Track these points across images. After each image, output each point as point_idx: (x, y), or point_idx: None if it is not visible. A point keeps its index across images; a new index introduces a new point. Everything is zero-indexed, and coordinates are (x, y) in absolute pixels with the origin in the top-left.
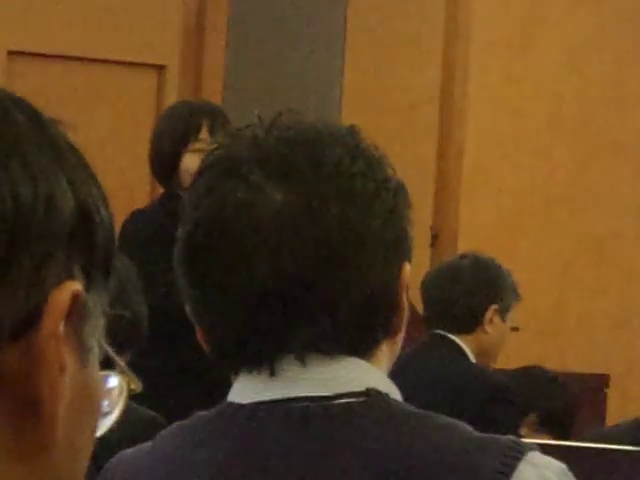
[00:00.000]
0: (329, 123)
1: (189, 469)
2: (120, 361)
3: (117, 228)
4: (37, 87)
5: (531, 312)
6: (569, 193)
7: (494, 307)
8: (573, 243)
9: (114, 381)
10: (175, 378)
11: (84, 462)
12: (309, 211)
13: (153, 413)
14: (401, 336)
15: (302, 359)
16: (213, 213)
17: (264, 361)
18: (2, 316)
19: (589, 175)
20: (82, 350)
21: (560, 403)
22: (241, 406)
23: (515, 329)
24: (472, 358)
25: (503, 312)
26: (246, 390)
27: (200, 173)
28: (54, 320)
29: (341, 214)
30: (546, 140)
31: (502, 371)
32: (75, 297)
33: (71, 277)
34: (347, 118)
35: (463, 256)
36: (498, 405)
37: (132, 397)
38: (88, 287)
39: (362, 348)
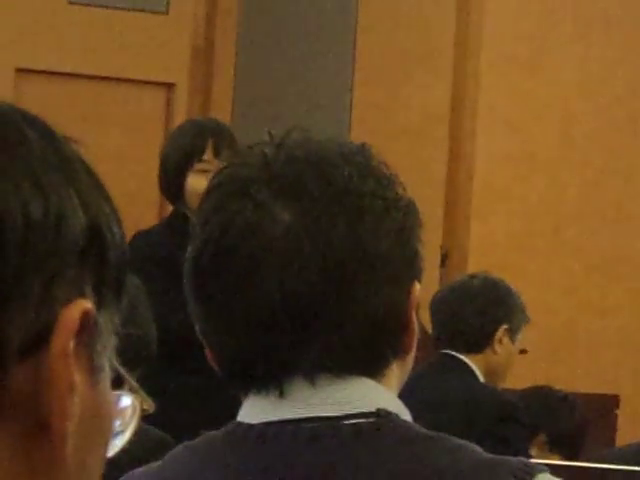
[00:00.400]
0: (339, 141)
1: None
2: (132, 381)
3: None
4: (45, 105)
5: (540, 332)
6: (579, 213)
7: (504, 327)
8: (582, 264)
9: (126, 401)
10: (182, 398)
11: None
12: (317, 230)
13: (162, 433)
14: (412, 356)
15: (311, 379)
16: (220, 232)
17: (273, 381)
18: (12, 335)
19: (599, 196)
20: (93, 369)
21: (569, 423)
22: (250, 426)
23: (524, 351)
24: (481, 378)
25: (512, 333)
26: (255, 410)
27: (208, 192)
28: (64, 339)
29: (350, 233)
30: (556, 160)
31: (511, 391)
32: (85, 315)
33: (82, 295)
34: (356, 136)
35: (472, 276)
36: (508, 424)
37: (142, 417)
38: (99, 306)
39: (372, 368)
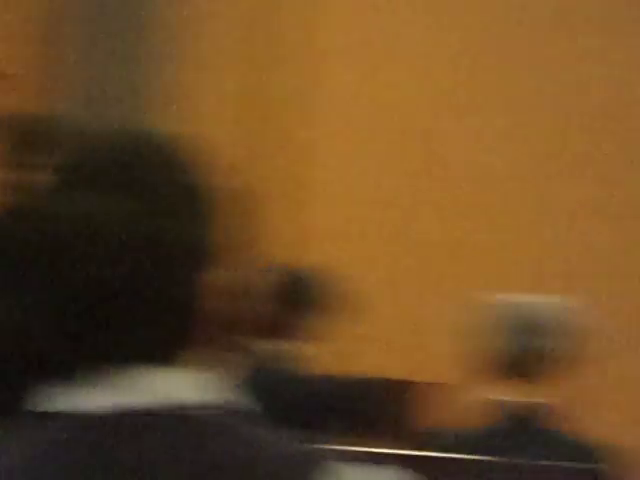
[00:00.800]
0: (145, 130)
1: None
2: None
3: None
4: None
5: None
6: (401, 201)
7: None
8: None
9: None
10: None
11: None
12: (112, 216)
13: None
14: (215, 343)
15: (111, 368)
16: (26, 223)
17: (71, 370)
18: None
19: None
20: None
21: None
22: (68, 416)
23: None
24: None
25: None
26: (66, 399)
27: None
28: None
29: (145, 218)
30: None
31: None
32: None
33: None
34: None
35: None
36: None
37: None
38: None
39: (170, 356)
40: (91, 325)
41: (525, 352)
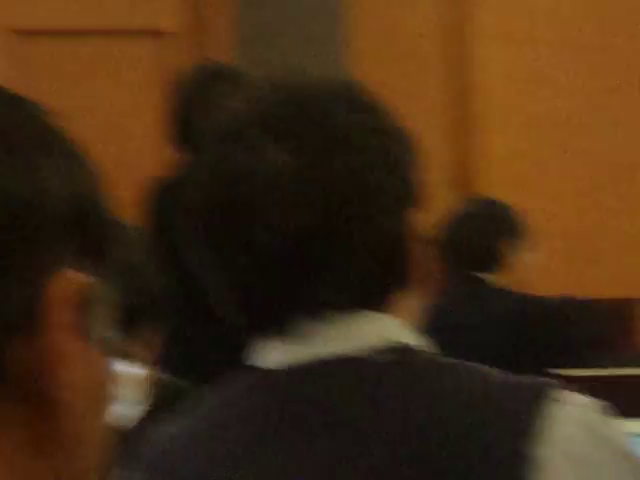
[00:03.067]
0: (327, 77)
1: (229, 441)
2: (128, 347)
3: (131, 196)
4: (40, 65)
5: (558, 243)
6: (589, 122)
7: (511, 241)
8: (594, 171)
9: (123, 367)
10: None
11: (99, 448)
12: (307, 167)
13: (182, 382)
14: (422, 286)
15: (320, 317)
16: (211, 179)
17: (276, 323)
18: (5, 311)
19: (609, 103)
20: (88, 339)
21: (591, 330)
22: (266, 371)
23: (539, 258)
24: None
25: (523, 244)
26: (263, 353)
27: (201, 139)
28: (57, 311)
29: (339, 168)
30: (561, 71)
31: None
32: (77, 287)
33: (71, 267)
34: (358, 67)
35: (470, 200)
36: (564, 323)
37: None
38: (89, 275)
39: (377, 301)
40: (302, 274)
41: None
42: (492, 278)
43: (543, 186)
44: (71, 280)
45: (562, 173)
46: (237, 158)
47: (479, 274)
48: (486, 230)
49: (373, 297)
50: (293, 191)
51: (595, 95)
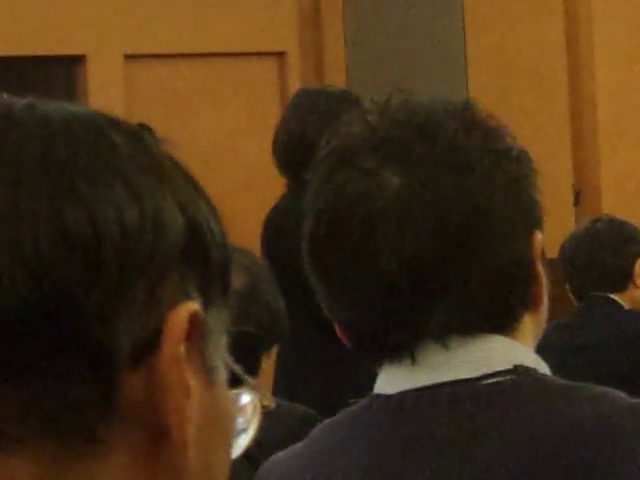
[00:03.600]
0: (442, 99)
1: (342, 465)
2: (250, 378)
3: (252, 224)
4: (157, 89)
5: None
6: None
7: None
8: None
9: (246, 398)
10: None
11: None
12: (427, 191)
13: (303, 408)
14: (544, 307)
15: (443, 342)
16: (332, 204)
17: (404, 349)
18: (122, 343)
19: None
20: (206, 370)
21: None
22: (388, 397)
23: None
24: None
25: None
26: (390, 380)
27: (317, 165)
28: (174, 343)
29: (460, 189)
30: None
31: None
32: (193, 317)
33: (187, 297)
34: (474, 86)
35: (596, 220)
36: None
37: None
38: (206, 305)
39: (502, 323)
40: (424, 299)
41: None
42: (621, 298)
43: None
44: (188, 311)
45: None
46: (355, 184)
47: (610, 294)
48: (619, 251)
49: (498, 320)
50: (409, 216)
51: None
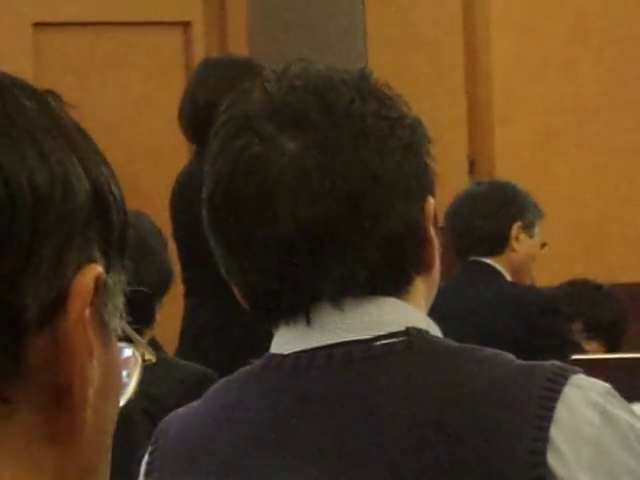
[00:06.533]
0: (339, 68)
1: (238, 423)
2: (134, 334)
3: (156, 190)
4: (64, 56)
5: (574, 229)
6: (601, 106)
7: (517, 225)
8: (609, 156)
9: (128, 352)
10: (224, 335)
11: (110, 438)
12: (323, 157)
13: (204, 368)
14: (436, 270)
15: (337, 304)
16: (229, 170)
17: (299, 311)
18: (28, 304)
19: (619, 87)
20: (105, 331)
21: (605, 310)
22: (283, 357)
23: (544, 245)
24: (508, 278)
25: (528, 228)
26: (286, 341)
27: (215, 132)
28: (80, 306)
29: (355, 155)
30: (572, 57)
31: (549, 288)
32: (97, 280)
33: (91, 260)
34: (373, 56)
35: (478, 183)
36: (551, 316)
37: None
38: (107, 268)
39: (395, 286)
40: (320, 262)
41: None
42: (499, 262)
43: (560, 172)
44: (94, 274)
45: (579, 159)
46: (253, 150)
47: (487, 259)
48: (496, 213)
49: (391, 283)
50: (305, 180)
51: (608, 80)
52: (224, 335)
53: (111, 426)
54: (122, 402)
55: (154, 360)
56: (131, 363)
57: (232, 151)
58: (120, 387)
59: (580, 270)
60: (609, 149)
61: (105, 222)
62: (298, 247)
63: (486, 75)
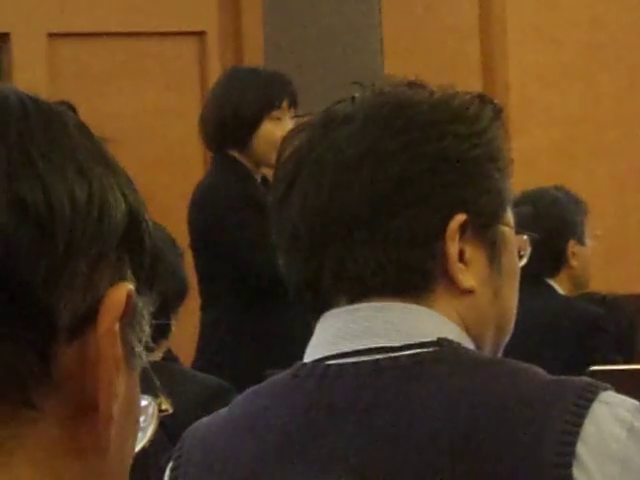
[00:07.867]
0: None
1: (264, 432)
2: (156, 381)
3: (170, 200)
4: (78, 67)
5: (592, 239)
6: (619, 116)
7: (572, 242)
8: (627, 165)
9: (145, 401)
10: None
11: (128, 465)
12: (374, 158)
13: (219, 380)
14: (484, 294)
15: (372, 306)
16: (294, 167)
17: (336, 305)
18: (61, 315)
19: (637, 96)
20: (130, 354)
21: (611, 324)
22: (313, 366)
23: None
24: (561, 292)
25: (581, 240)
26: (317, 345)
27: (287, 140)
28: (110, 319)
29: (396, 160)
30: (590, 66)
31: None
32: (129, 297)
33: (123, 279)
34: (390, 66)
35: (522, 202)
36: (596, 334)
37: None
38: (138, 291)
39: (419, 292)
40: (343, 266)
41: None
42: (557, 280)
43: (578, 182)
44: (126, 291)
45: (597, 168)
46: (317, 150)
47: (542, 276)
48: (551, 235)
49: (414, 287)
50: (354, 176)
51: (625, 89)
52: (239, 352)
53: (129, 457)
54: (137, 448)
55: (171, 411)
56: (149, 412)
57: (300, 152)
58: (138, 419)
59: (599, 281)
60: (627, 158)
61: (138, 246)
62: (339, 242)
63: (503, 85)
